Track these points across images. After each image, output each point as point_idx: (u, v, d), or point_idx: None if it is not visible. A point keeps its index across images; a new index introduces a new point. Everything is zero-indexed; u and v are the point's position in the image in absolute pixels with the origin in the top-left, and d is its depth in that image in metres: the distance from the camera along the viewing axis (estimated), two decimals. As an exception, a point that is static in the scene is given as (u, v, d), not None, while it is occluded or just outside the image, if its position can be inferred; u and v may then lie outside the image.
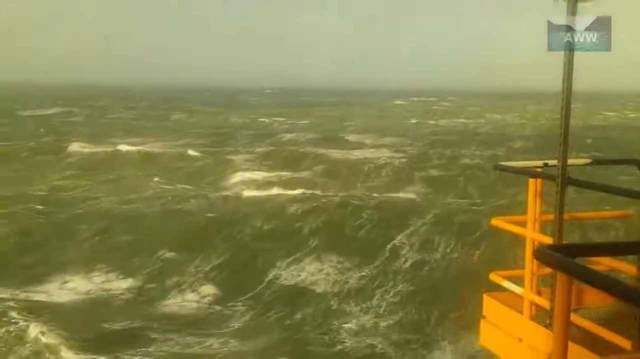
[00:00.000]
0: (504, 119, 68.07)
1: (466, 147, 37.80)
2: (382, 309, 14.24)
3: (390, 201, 21.20)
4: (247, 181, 27.68)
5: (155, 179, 27.68)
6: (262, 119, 61.93)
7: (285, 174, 29.74)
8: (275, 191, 23.80)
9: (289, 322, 13.83)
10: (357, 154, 34.94)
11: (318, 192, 22.83)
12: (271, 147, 37.10)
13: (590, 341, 3.86)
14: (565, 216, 4.32)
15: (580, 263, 2.47)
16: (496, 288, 4.94)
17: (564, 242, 4.15)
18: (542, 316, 4.51)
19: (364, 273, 15.76)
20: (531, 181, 4.72)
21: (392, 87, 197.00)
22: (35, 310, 13.70)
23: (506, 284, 4.81)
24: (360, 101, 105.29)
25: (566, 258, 2.48)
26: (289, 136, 45.54)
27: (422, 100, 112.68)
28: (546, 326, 4.31)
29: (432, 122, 61.84)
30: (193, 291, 15.78)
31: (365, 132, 47.86)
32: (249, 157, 34.38)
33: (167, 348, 12.54)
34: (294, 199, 21.33)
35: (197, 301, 15.29)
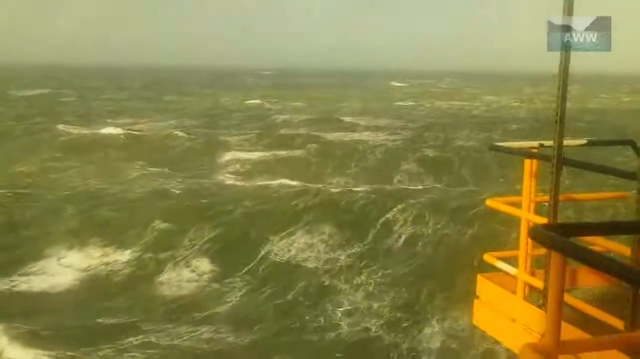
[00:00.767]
0: (499, 100, 68.03)
1: (461, 129, 37.82)
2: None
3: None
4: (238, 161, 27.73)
5: (140, 162, 27.49)
6: (257, 101, 61.35)
7: (281, 153, 29.73)
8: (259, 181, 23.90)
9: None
10: (352, 136, 34.94)
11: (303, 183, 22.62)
12: (261, 130, 36.68)
13: (583, 321, 3.87)
14: (561, 197, 4.31)
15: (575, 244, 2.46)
16: (490, 268, 4.95)
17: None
18: (535, 297, 4.53)
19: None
20: (526, 161, 4.70)
21: (389, 68, 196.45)
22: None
23: (500, 264, 4.81)
24: (358, 82, 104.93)
25: (561, 237, 2.47)
26: (282, 117, 45.35)
27: (420, 82, 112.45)
28: (539, 307, 4.32)
29: (428, 105, 61.75)
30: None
31: (361, 114, 47.77)
32: (242, 138, 34.16)
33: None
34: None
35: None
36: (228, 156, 29.13)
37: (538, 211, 4.75)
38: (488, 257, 4.94)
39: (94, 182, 23.34)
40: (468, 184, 23.29)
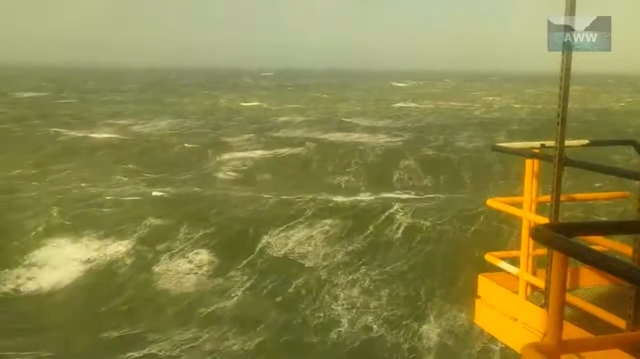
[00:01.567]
0: (500, 101, 67.97)
1: (461, 131, 37.83)
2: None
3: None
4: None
5: (130, 165, 27.36)
6: (255, 103, 61.01)
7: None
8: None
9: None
10: (352, 137, 34.94)
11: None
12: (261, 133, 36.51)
13: (585, 320, 3.88)
14: (562, 197, 4.32)
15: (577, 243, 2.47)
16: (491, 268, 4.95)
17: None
18: (537, 297, 4.53)
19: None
20: (528, 161, 4.71)
21: (390, 68, 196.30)
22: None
23: (502, 264, 4.82)
24: (359, 84, 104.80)
25: (562, 237, 2.47)
26: (281, 119, 45.31)
27: (421, 82, 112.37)
28: (541, 306, 4.33)
29: (430, 105, 61.69)
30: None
31: (361, 115, 47.78)
32: (239, 140, 34.01)
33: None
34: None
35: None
36: (222, 159, 29.11)
37: (540, 212, 4.76)
38: (490, 257, 4.94)
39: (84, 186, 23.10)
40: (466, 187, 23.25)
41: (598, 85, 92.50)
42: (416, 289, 14.36)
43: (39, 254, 16.74)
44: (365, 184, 24.72)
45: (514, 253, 4.94)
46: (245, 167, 27.53)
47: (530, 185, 4.69)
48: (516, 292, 4.62)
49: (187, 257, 16.45)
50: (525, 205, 4.69)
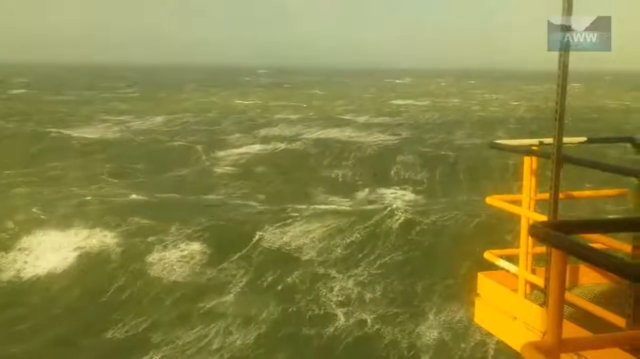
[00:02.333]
0: (497, 99, 67.93)
1: (459, 129, 37.86)
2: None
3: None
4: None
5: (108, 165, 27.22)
6: (252, 101, 60.80)
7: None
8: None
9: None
10: (349, 135, 34.93)
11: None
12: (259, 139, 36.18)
13: (584, 318, 3.86)
14: (561, 195, 4.30)
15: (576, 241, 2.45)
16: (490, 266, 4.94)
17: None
18: (536, 295, 4.52)
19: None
20: (526, 159, 4.69)
21: (390, 66, 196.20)
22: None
23: (501, 262, 4.81)
24: (358, 82, 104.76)
25: (561, 234, 2.46)
26: (277, 116, 45.23)
27: (420, 79, 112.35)
28: (541, 305, 4.31)
29: (426, 102, 61.67)
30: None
31: (360, 113, 47.77)
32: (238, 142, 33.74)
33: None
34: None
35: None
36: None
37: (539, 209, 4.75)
38: (489, 255, 4.93)
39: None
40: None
41: (596, 82, 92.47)
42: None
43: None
44: (362, 179, 24.78)
45: (513, 251, 4.93)
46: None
47: (528, 182, 4.68)
48: (515, 290, 4.61)
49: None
50: (524, 203, 4.68)
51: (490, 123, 41.99)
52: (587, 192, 5.91)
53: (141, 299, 14.53)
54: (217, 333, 12.99)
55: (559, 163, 4.16)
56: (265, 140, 33.11)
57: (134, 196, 21.57)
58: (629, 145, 5.11)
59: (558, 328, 2.47)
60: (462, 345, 12.05)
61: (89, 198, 20.79)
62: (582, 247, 2.40)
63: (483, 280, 4.92)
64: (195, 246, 16.54)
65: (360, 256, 15.89)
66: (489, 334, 4.92)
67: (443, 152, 28.80)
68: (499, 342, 4.85)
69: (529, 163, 4.69)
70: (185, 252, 16.27)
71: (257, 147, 30.95)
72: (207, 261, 15.95)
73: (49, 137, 33.35)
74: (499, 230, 14.33)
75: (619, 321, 3.67)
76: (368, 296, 14.11)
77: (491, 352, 11.62)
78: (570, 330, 3.51)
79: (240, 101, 60.05)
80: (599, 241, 4.25)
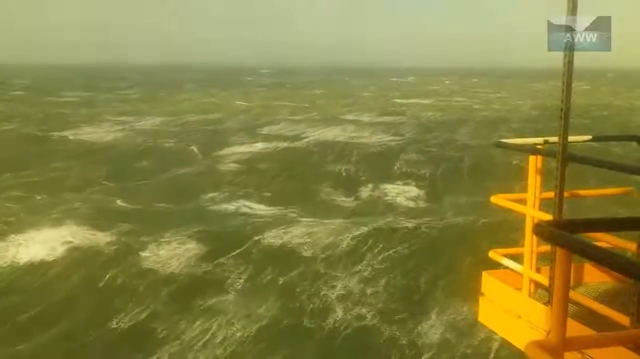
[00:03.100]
0: (500, 98, 67.76)
1: (462, 128, 37.83)
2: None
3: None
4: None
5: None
6: (253, 103, 60.50)
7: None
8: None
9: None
10: (352, 134, 34.95)
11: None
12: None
13: (588, 317, 3.86)
14: (566, 194, 4.30)
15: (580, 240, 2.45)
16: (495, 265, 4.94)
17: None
18: (541, 294, 4.51)
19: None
20: (531, 158, 4.69)
21: (392, 65, 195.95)
22: None
23: (505, 261, 4.80)
24: (360, 81, 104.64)
25: (566, 233, 2.46)
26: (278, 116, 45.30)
27: (422, 79, 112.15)
28: (545, 304, 4.31)
29: (431, 101, 61.59)
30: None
31: (362, 112, 47.77)
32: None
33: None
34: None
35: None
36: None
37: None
38: (493, 254, 4.93)
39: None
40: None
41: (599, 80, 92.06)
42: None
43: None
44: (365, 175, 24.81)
45: (517, 250, 4.92)
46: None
47: (533, 181, 4.67)
48: (520, 289, 4.61)
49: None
50: (528, 202, 4.67)
51: (495, 122, 41.95)
52: (592, 191, 5.89)
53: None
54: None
55: (564, 162, 4.15)
56: (267, 139, 33.11)
57: (130, 200, 21.49)
58: (634, 143, 5.11)
59: (562, 326, 2.48)
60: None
61: (77, 204, 20.51)
62: (587, 246, 2.40)
63: (487, 279, 4.92)
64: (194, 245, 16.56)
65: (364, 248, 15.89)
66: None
67: (453, 154, 28.66)
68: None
69: (534, 162, 4.68)
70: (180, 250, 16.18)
71: (259, 146, 30.99)
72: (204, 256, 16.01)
73: (49, 140, 33.36)
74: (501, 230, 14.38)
75: (624, 319, 3.67)
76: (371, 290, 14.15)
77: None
78: (575, 329, 3.51)
79: (240, 102, 59.97)
80: (603, 240, 4.25)
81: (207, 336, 12.58)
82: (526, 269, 4.59)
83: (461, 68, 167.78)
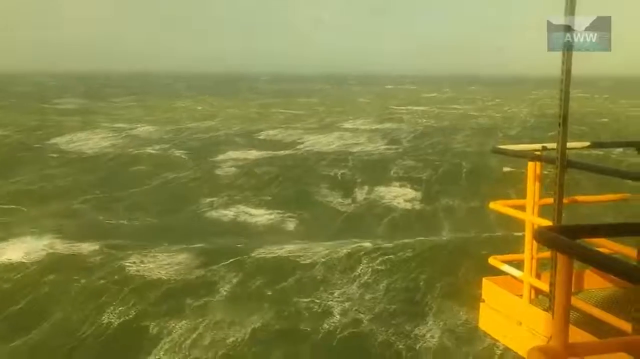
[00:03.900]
0: (501, 103, 67.86)
1: (458, 134, 37.92)
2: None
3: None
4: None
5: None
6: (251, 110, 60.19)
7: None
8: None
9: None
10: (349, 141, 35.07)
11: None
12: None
13: (590, 324, 3.85)
14: (565, 200, 4.29)
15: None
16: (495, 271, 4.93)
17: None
18: (541, 300, 4.50)
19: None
20: (530, 164, 4.69)
21: (389, 73, 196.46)
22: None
23: (505, 268, 4.79)
24: (360, 89, 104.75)
25: (566, 239, 2.45)
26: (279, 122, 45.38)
27: (418, 87, 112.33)
28: (546, 310, 4.30)
29: (430, 108, 61.69)
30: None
31: (359, 118, 47.95)
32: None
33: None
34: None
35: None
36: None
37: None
38: (493, 261, 4.92)
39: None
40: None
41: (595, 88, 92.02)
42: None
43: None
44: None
45: (517, 256, 4.91)
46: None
47: (532, 187, 4.67)
48: (520, 296, 4.59)
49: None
50: (528, 208, 4.67)
51: (495, 129, 42.01)
52: (591, 197, 5.90)
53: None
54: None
55: (563, 168, 4.15)
56: (268, 146, 33.16)
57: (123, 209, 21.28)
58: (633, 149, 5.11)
59: (564, 333, 2.46)
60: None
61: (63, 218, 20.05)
62: (588, 252, 2.39)
63: (488, 285, 4.91)
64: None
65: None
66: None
67: (459, 161, 28.58)
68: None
69: (532, 168, 4.68)
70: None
71: (255, 154, 30.94)
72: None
73: (42, 148, 32.97)
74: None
75: (625, 325, 3.66)
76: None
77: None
78: (576, 335, 3.49)
79: (241, 109, 59.89)
80: (604, 246, 4.24)
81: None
82: (526, 276, 4.58)
83: (461, 75, 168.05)
